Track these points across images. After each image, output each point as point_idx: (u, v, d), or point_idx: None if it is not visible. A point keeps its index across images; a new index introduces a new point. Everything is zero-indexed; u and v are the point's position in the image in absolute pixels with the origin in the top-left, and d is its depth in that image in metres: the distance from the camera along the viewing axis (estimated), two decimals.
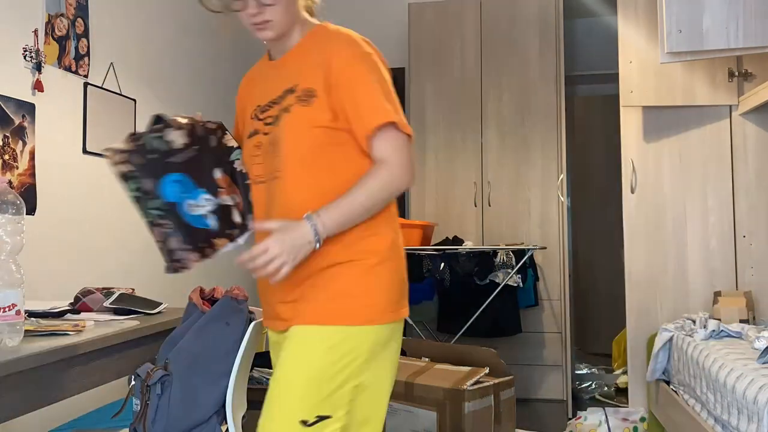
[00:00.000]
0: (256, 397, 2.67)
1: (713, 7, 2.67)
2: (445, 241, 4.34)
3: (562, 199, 4.43)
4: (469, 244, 4.24)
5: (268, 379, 2.71)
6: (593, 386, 4.51)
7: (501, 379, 3.37)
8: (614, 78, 5.00)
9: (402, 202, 5.21)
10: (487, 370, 3.33)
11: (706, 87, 3.46)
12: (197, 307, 1.86)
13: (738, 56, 3.32)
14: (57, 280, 2.96)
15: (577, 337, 5.83)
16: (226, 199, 1.56)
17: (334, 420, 1.44)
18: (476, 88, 4.62)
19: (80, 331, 1.78)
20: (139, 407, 1.71)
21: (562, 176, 4.44)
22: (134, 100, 3.57)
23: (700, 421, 2.56)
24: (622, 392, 4.44)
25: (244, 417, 1.92)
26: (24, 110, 2.78)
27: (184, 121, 1.55)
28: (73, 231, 3.09)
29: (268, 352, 2.97)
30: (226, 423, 1.79)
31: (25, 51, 2.79)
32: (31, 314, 1.95)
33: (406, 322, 4.54)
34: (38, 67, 2.85)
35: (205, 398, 1.73)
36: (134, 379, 1.75)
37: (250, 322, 1.85)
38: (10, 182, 2.67)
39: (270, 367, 2.80)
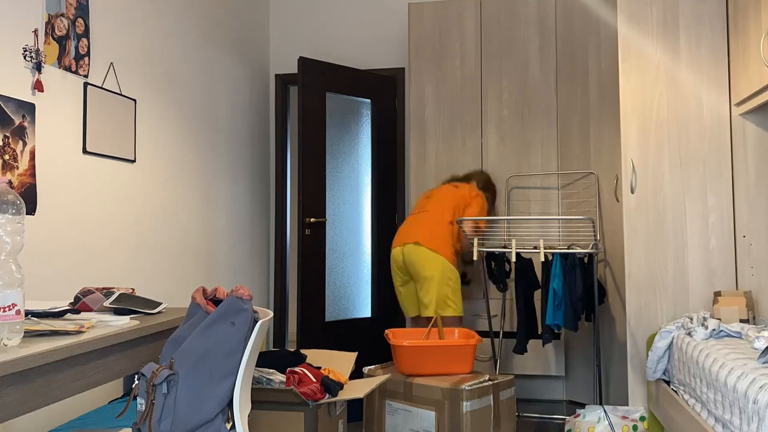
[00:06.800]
0: (256, 397, 2.67)
1: None
2: None
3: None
4: None
5: (267, 379, 2.71)
6: None
7: (501, 379, 3.37)
8: None
9: (402, 202, 5.21)
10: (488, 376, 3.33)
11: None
12: (201, 307, 1.86)
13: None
14: (57, 280, 2.96)
15: None
16: None
17: None
18: (476, 88, 4.62)
19: (83, 331, 1.78)
20: (144, 407, 1.71)
21: None
22: (134, 100, 3.57)
23: (700, 421, 2.56)
24: None
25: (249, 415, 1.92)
26: (24, 110, 2.78)
27: None
28: (73, 231, 3.10)
29: (267, 352, 2.97)
30: (231, 421, 1.79)
31: (25, 51, 2.79)
32: (31, 314, 1.95)
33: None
34: (38, 67, 2.85)
35: (211, 397, 1.73)
36: (138, 379, 1.75)
37: (255, 321, 1.85)
38: (10, 182, 2.67)
39: (269, 367, 2.80)
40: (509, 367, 4.43)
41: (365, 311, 5.03)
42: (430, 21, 4.71)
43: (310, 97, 4.71)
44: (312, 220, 4.64)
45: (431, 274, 3.84)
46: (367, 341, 4.95)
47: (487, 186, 4.40)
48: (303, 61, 4.71)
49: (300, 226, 4.57)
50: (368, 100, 5.10)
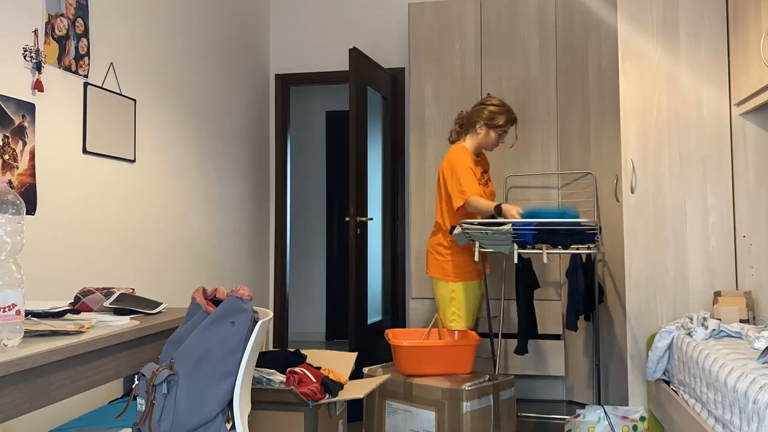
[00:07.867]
0: (256, 397, 2.67)
1: None
2: None
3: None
4: None
5: (267, 379, 2.71)
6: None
7: (501, 380, 3.37)
8: None
9: (402, 203, 5.21)
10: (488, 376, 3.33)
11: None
12: (201, 308, 1.86)
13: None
14: (57, 280, 2.96)
15: None
16: None
17: None
18: (476, 88, 4.62)
19: (83, 331, 1.78)
20: (144, 407, 1.71)
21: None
22: (134, 100, 3.57)
23: (700, 421, 2.56)
24: None
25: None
26: (24, 110, 2.78)
27: None
28: (73, 231, 3.10)
29: (267, 352, 2.97)
30: (231, 421, 1.79)
31: (25, 51, 2.79)
32: (31, 314, 1.95)
33: None
34: (38, 67, 2.85)
35: (211, 397, 1.73)
36: (138, 379, 1.75)
37: (255, 321, 1.85)
38: (10, 182, 2.67)
39: (269, 367, 2.80)
40: (509, 367, 4.43)
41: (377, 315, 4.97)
42: (430, 21, 4.71)
43: (359, 92, 4.57)
44: (361, 219, 4.57)
45: (437, 298, 3.73)
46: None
47: (488, 115, 3.69)
48: (354, 53, 4.51)
49: (354, 226, 4.43)
50: (384, 96, 5.08)
